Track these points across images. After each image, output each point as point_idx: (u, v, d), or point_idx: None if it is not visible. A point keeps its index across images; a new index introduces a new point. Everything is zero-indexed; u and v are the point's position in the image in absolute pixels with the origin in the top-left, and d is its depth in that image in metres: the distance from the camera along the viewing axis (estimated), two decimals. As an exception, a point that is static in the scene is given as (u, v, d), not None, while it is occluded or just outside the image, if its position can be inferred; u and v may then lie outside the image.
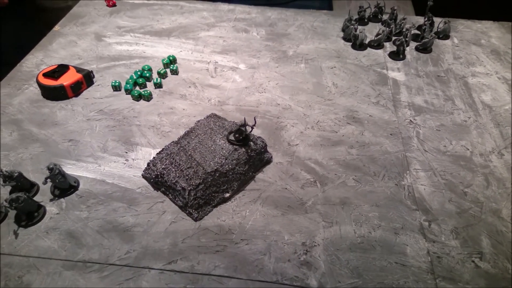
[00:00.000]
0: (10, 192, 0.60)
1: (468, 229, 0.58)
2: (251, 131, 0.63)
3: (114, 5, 1.08)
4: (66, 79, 0.77)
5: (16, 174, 0.58)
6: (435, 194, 0.63)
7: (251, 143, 0.63)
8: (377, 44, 0.95)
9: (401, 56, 0.92)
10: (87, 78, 0.80)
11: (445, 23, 0.98)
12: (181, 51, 0.93)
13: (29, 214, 0.57)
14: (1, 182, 0.57)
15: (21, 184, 0.59)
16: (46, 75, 0.77)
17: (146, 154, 0.68)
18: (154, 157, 0.63)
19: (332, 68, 0.89)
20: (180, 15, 1.06)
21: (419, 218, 0.59)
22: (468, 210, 0.61)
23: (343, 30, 1.00)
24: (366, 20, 1.05)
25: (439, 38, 1.00)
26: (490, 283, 0.52)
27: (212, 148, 0.62)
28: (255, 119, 0.64)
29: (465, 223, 0.59)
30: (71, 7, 1.08)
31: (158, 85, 0.82)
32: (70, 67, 0.80)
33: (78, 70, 0.80)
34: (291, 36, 0.99)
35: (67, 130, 0.72)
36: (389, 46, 0.96)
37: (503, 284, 0.52)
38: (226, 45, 0.96)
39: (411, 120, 0.76)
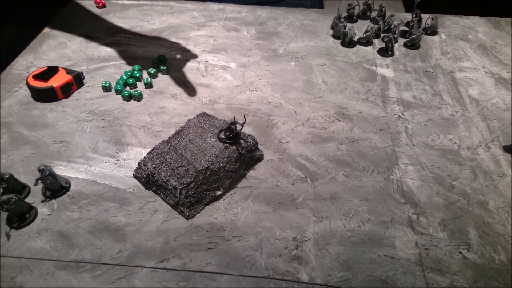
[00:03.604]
0: (1, 194, 0.59)
1: (456, 221, 0.59)
2: (241, 129, 0.63)
3: (103, 6, 1.08)
4: (56, 81, 0.77)
5: (7, 176, 0.58)
6: (423, 187, 0.64)
7: (242, 141, 0.64)
8: (366, 41, 0.96)
9: (389, 53, 0.93)
10: (77, 80, 0.80)
11: (432, 19, 1.00)
12: (171, 51, 0.93)
13: (21, 216, 0.57)
14: (-8, 185, 0.57)
15: (12, 186, 0.59)
16: (36, 77, 0.77)
17: (137, 154, 0.68)
18: (145, 157, 0.63)
19: (322, 65, 0.90)
20: (170, 15, 1.06)
21: (408, 211, 0.60)
22: (455, 203, 0.62)
23: (332, 28, 1.01)
24: (355, 18, 1.06)
25: (427, 34, 1.01)
26: (477, 273, 0.53)
27: (202, 147, 0.63)
28: (245, 117, 0.64)
29: (453, 215, 0.60)
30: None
31: (148, 85, 0.82)
32: (60, 68, 0.80)
33: (68, 71, 0.80)
34: (281, 34, 1.00)
35: (58, 131, 0.72)
36: (377, 43, 0.97)
37: (490, 274, 0.53)
38: (216, 44, 0.96)
39: (399, 116, 0.77)
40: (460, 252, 0.55)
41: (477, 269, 0.54)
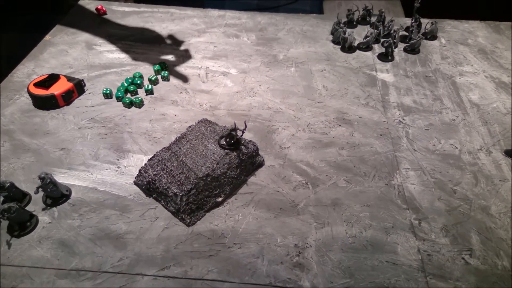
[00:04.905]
0: (2, 203, 0.59)
1: (458, 226, 0.59)
2: (241, 135, 0.63)
3: (104, 13, 1.09)
4: (57, 88, 0.77)
5: (8, 185, 0.58)
6: (425, 192, 0.63)
7: (243, 147, 0.64)
8: (365, 46, 0.96)
9: (389, 58, 0.93)
10: (78, 87, 0.81)
11: (432, 24, 1.00)
12: (172, 57, 0.93)
13: (22, 224, 0.57)
14: (-7, 193, 0.57)
15: (13, 194, 0.59)
16: (37, 84, 0.78)
17: (137, 161, 0.68)
18: (145, 164, 0.63)
19: (322, 71, 0.90)
20: (170, 22, 1.06)
21: (410, 217, 0.60)
22: (457, 208, 0.61)
23: (332, 33, 1.01)
24: (354, 23, 1.06)
25: (426, 39, 1.01)
26: (480, 279, 0.53)
27: (203, 153, 0.62)
28: (245, 123, 0.64)
29: (455, 220, 0.60)
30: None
31: (149, 92, 0.83)
32: (61, 76, 0.80)
33: (69, 79, 0.80)
34: (281, 40, 1.00)
35: (59, 139, 0.72)
36: (377, 48, 0.98)
37: (493, 279, 0.53)
38: (217, 50, 0.96)
39: (400, 120, 0.77)
40: (463, 258, 0.55)
41: (480, 274, 0.53)
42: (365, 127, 0.75)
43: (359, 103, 0.81)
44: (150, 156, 0.64)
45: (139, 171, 0.63)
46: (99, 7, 1.08)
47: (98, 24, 1.05)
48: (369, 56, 0.95)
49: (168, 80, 0.87)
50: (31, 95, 0.77)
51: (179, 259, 0.54)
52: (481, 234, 0.58)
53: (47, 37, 1.00)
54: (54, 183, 0.58)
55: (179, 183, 0.58)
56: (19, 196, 0.60)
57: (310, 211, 0.61)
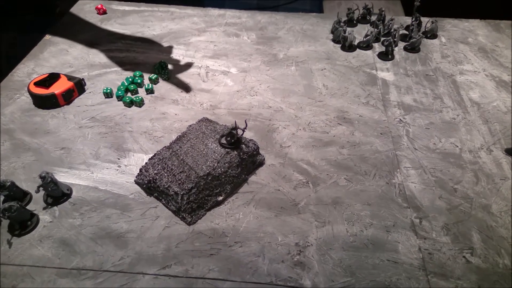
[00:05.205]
0: (3, 202, 0.59)
1: (459, 225, 0.59)
2: (242, 134, 0.63)
3: (104, 12, 1.08)
4: (58, 88, 0.77)
5: (8, 184, 0.58)
6: (426, 191, 0.64)
7: (243, 146, 0.64)
8: (366, 45, 0.96)
9: (389, 57, 0.93)
10: (79, 86, 0.81)
11: (432, 22, 1.00)
12: (172, 56, 0.93)
13: (22, 223, 0.57)
14: (-6, 192, 0.57)
15: (14, 194, 0.59)
16: (37, 84, 0.78)
17: (138, 160, 0.68)
18: (146, 163, 0.63)
19: (322, 70, 0.90)
20: (170, 21, 1.06)
21: (410, 216, 0.60)
22: (458, 206, 0.61)
23: (332, 32, 1.01)
24: (354, 22, 1.06)
25: (427, 37, 1.01)
26: (481, 277, 0.53)
27: (204, 152, 0.62)
28: (246, 122, 0.64)
29: (456, 219, 0.60)
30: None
31: (149, 91, 0.82)
32: (61, 75, 0.80)
33: (69, 78, 0.80)
34: (281, 39, 1.00)
35: (59, 138, 0.72)
36: (377, 47, 0.98)
37: (494, 278, 0.53)
38: (217, 49, 0.96)
39: (400, 119, 0.77)
40: (464, 257, 0.55)
41: (481, 273, 0.53)
42: (365, 126, 0.75)
43: (359, 102, 0.81)
44: (151, 155, 0.64)
45: (140, 170, 0.63)
46: (99, 6, 1.08)
47: (98, 23, 1.05)
48: (369, 55, 0.95)
49: (169, 79, 0.87)
50: (32, 94, 0.77)
51: (180, 258, 0.54)
52: (482, 232, 0.58)
53: (47, 36, 1.00)
54: (55, 182, 0.58)
55: (180, 182, 0.58)
56: (19, 195, 0.60)
57: (311, 209, 0.61)
